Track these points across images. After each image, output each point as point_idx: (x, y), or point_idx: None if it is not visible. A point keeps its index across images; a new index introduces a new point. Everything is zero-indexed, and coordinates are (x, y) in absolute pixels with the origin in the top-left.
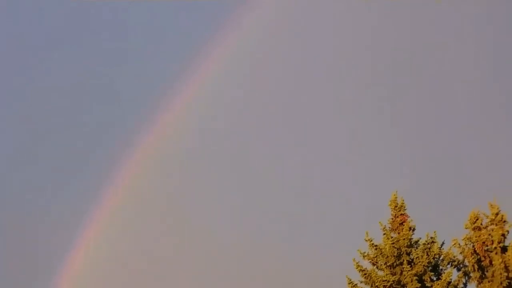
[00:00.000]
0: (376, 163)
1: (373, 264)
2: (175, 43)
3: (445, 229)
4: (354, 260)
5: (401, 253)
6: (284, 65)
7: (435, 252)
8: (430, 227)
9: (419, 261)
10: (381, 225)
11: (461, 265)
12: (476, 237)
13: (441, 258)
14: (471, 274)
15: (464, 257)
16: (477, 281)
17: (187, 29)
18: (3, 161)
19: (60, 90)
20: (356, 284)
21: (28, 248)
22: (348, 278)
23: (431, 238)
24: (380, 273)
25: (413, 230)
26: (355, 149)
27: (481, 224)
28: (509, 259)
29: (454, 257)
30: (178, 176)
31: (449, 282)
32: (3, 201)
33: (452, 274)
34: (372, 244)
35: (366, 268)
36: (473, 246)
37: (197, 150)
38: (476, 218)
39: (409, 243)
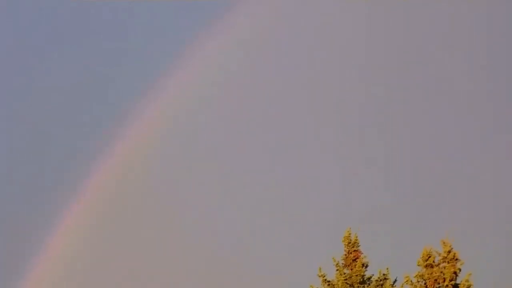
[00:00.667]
0: (342, 182)
1: None
2: (175, 43)
3: (398, 265)
4: None
5: None
6: (285, 65)
7: None
8: (383, 263)
9: None
10: (334, 260)
11: None
12: (428, 274)
13: None
14: None
15: None
16: None
17: (187, 29)
18: (2, 161)
19: (60, 90)
20: None
21: (27, 248)
22: None
23: (384, 274)
24: None
25: (366, 266)
26: (331, 157)
27: (434, 261)
28: None
29: None
30: (179, 175)
31: None
32: (2, 201)
33: None
34: (325, 279)
35: None
36: (425, 284)
37: (196, 150)
38: (428, 255)
39: (361, 280)
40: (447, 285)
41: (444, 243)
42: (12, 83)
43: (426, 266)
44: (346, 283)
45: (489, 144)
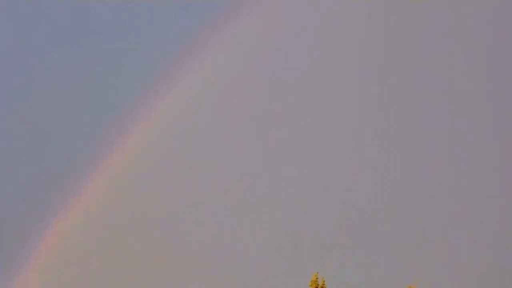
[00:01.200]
0: (342, 182)
1: None
2: (175, 43)
3: None
4: None
5: None
6: (284, 65)
7: None
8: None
9: None
10: None
11: None
12: None
13: None
14: None
15: None
16: None
17: (187, 29)
18: (2, 161)
19: (60, 90)
20: None
21: (27, 248)
22: None
23: None
24: None
25: None
26: (330, 157)
27: None
28: None
29: None
30: (179, 175)
31: None
32: (2, 201)
33: None
34: None
35: None
36: None
37: (196, 150)
38: None
39: None
40: None
41: None
42: (12, 83)
43: None
44: None
45: (489, 144)
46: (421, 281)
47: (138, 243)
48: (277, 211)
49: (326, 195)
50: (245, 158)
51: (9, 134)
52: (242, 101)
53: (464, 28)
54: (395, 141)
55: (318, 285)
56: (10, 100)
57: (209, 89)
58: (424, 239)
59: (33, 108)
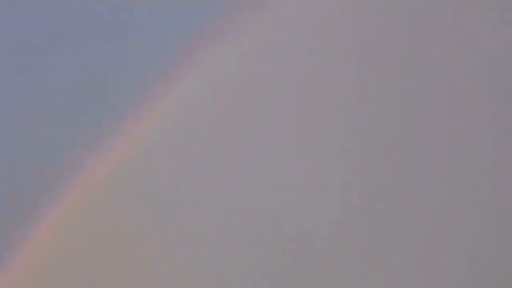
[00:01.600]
0: (342, 183)
1: None
2: (175, 43)
3: None
4: None
5: None
6: (284, 65)
7: None
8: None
9: None
10: None
11: None
12: None
13: None
14: None
15: None
16: None
17: (187, 29)
18: (2, 161)
19: (60, 90)
20: None
21: (26, 249)
22: None
23: None
24: None
25: None
26: (331, 157)
27: None
28: None
29: None
30: (179, 175)
31: None
32: (2, 202)
33: None
34: None
35: None
36: None
37: (196, 150)
38: None
39: None
40: None
41: None
42: (12, 83)
43: None
44: None
45: (489, 144)
46: (421, 282)
47: (138, 243)
48: (277, 211)
49: (326, 195)
50: (245, 158)
51: (9, 134)
52: (242, 101)
53: (464, 28)
54: (395, 141)
55: None
56: (10, 100)
57: (209, 89)
58: (424, 239)
59: (33, 108)
